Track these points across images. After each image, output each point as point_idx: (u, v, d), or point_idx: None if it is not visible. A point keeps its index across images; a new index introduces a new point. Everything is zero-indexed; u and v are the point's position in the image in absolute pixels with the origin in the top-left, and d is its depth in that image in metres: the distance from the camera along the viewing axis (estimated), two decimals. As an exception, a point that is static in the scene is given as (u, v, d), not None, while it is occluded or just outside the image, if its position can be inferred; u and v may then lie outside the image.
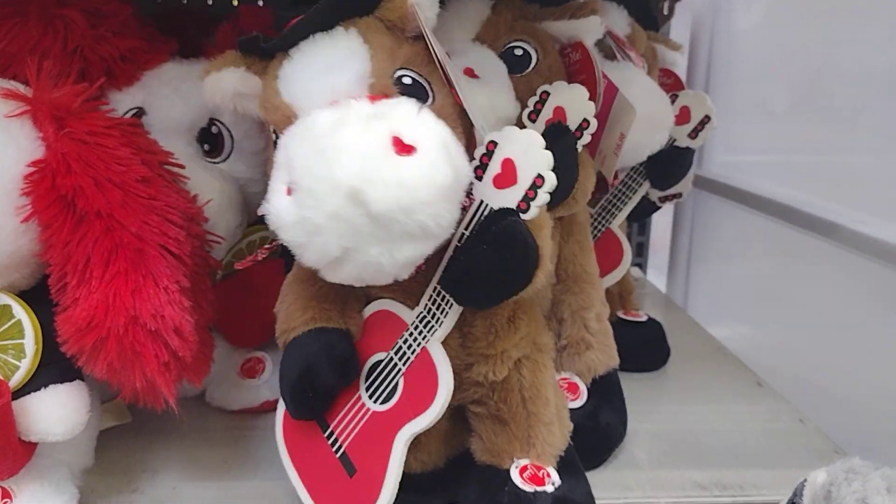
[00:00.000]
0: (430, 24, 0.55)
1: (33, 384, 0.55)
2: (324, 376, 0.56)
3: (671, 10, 1.15)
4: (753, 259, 1.13)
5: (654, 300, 1.22)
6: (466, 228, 0.53)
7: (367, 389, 0.58)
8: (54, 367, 0.55)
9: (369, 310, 0.59)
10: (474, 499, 0.60)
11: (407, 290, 0.57)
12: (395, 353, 0.57)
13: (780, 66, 1.07)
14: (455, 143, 0.50)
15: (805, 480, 0.51)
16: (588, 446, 0.68)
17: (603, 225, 0.87)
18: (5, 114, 0.54)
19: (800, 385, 0.89)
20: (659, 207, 0.93)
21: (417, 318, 0.56)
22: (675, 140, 0.86)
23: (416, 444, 0.62)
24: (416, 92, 0.53)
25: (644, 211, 0.92)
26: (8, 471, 0.55)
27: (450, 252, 0.54)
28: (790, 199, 0.99)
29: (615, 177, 0.85)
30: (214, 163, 0.73)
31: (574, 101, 0.65)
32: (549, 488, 0.57)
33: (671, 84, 0.96)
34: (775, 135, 1.10)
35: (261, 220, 0.75)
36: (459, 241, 0.54)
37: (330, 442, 0.59)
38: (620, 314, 0.92)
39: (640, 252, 1.35)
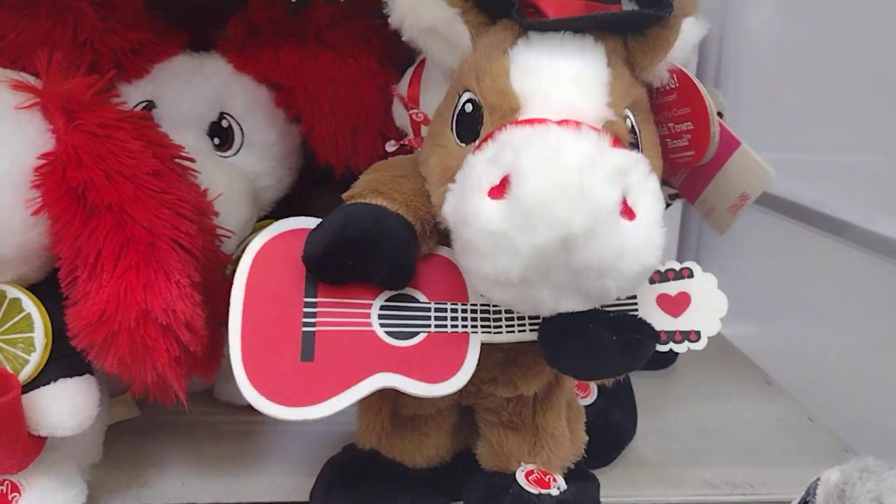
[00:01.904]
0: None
1: (43, 378, 0.55)
2: (389, 250, 0.50)
3: (680, 7, 1.14)
4: (763, 257, 1.13)
5: (662, 298, 1.21)
6: (614, 316, 0.51)
7: (383, 311, 0.53)
8: (64, 361, 0.55)
9: (440, 251, 0.55)
10: (477, 498, 0.59)
11: None
12: (437, 310, 0.53)
13: (791, 63, 1.07)
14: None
15: (818, 479, 0.51)
16: (598, 444, 0.68)
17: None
18: (15, 105, 0.54)
19: (809, 384, 0.89)
20: (669, 205, 0.92)
21: (481, 306, 0.53)
22: (686, 137, 0.85)
23: (423, 438, 0.62)
24: (634, 141, 0.50)
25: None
26: (17, 465, 0.55)
27: None
28: (800, 197, 0.99)
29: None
30: (224, 157, 0.72)
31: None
32: (554, 492, 0.57)
33: (681, 81, 0.96)
34: (785, 132, 1.09)
35: (271, 215, 0.76)
36: None
37: (305, 311, 0.52)
38: (629, 312, 0.92)
39: (648, 249, 1.34)
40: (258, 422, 0.75)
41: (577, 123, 0.45)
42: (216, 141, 0.72)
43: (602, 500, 0.62)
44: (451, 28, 0.52)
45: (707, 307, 0.51)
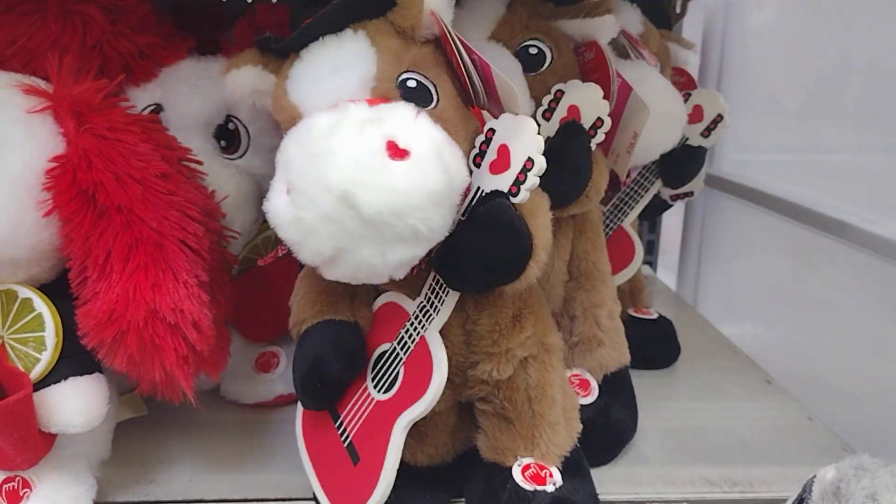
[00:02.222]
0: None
1: (54, 376, 0.56)
2: (330, 368, 0.58)
3: (684, 8, 1.15)
4: (763, 257, 1.14)
5: (665, 298, 1.22)
6: (463, 215, 0.54)
7: (373, 379, 0.59)
8: (74, 359, 0.56)
9: (378, 302, 0.61)
10: (477, 495, 0.61)
11: (412, 283, 0.58)
12: (398, 343, 0.58)
13: (793, 64, 1.07)
14: (451, 147, 0.51)
15: (814, 477, 0.52)
16: (599, 442, 0.69)
17: (615, 223, 0.87)
18: (27, 109, 0.55)
19: (808, 383, 0.90)
20: (671, 206, 0.93)
21: (418, 307, 0.57)
22: (687, 139, 0.86)
23: (423, 437, 0.63)
24: (420, 95, 0.54)
25: (655, 209, 0.93)
26: (28, 461, 0.56)
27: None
28: (801, 198, 0.99)
29: (627, 175, 0.86)
30: (231, 159, 0.73)
31: (588, 100, 0.66)
32: (550, 488, 0.58)
33: (684, 83, 0.96)
34: (787, 133, 1.10)
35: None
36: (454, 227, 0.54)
37: (339, 431, 0.60)
38: (631, 312, 0.93)
39: (651, 250, 1.35)
40: (264, 420, 0.76)
41: (335, 106, 0.50)
42: (223, 143, 0.73)
43: (603, 497, 0.63)
44: (266, 81, 0.58)
45: (521, 138, 0.52)
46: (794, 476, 0.68)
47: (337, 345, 0.58)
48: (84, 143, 0.55)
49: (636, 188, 0.87)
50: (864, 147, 0.90)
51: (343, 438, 0.60)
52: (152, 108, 0.71)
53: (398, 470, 0.61)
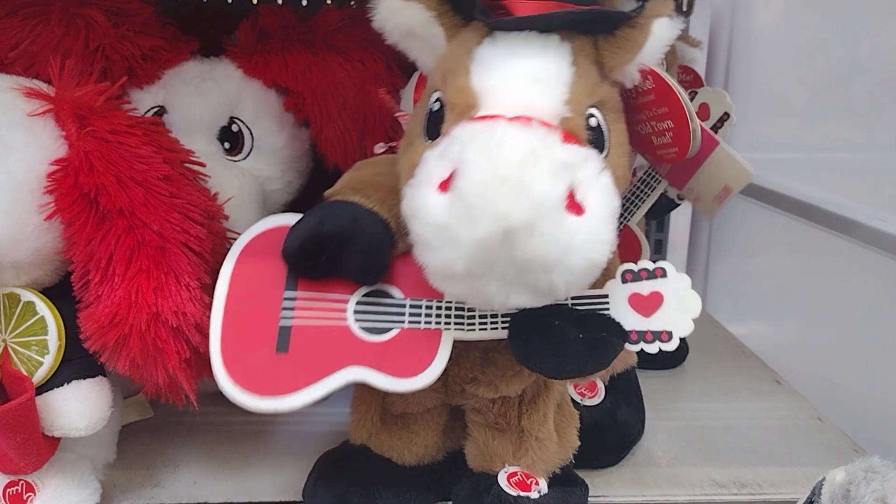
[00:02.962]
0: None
1: (56, 380, 0.55)
2: (361, 245, 0.52)
3: (690, 6, 1.14)
4: (772, 256, 1.13)
5: (672, 297, 1.21)
6: (577, 299, 0.52)
7: (358, 305, 0.54)
8: (77, 363, 0.56)
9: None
10: (462, 497, 0.60)
11: None
12: (412, 306, 0.54)
13: (800, 62, 1.06)
14: (617, 215, 0.48)
15: (823, 479, 0.51)
16: (606, 444, 0.69)
17: (621, 222, 0.86)
18: (29, 112, 0.55)
19: (818, 383, 0.89)
20: (678, 205, 0.93)
21: (456, 302, 0.54)
22: (693, 137, 0.85)
23: (412, 435, 0.62)
24: (597, 138, 0.50)
25: (662, 208, 0.92)
26: (32, 465, 0.55)
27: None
28: (810, 197, 0.99)
29: (633, 174, 0.85)
30: (234, 161, 0.73)
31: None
32: (534, 495, 0.57)
33: (690, 81, 0.96)
34: (795, 132, 1.09)
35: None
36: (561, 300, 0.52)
37: (284, 305, 0.54)
38: (638, 312, 0.92)
39: (659, 249, 1.34)
40: (269, 422, 0.75)
41: (529, 119, 0.45)
42: (226, 145, 0.73)
43: (610, 499, 0.63)
44: (429, 30, 0.53)
45: (680, 307, 0.50)
46: (803, 477, 0.67)
47: (384, 242, 0.53)
48: (86, 146, 0.55)
49: (642, 187, 0.86)
50: (873, 145, 0.89)
51: (282, 316, 0.53)
52: (155, 110, 0.71)
53: (382, 468, 0.61)
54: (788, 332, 1.05)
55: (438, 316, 0.54)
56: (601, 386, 0.71)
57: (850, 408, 0.83)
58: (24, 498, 0.57)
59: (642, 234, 0.87)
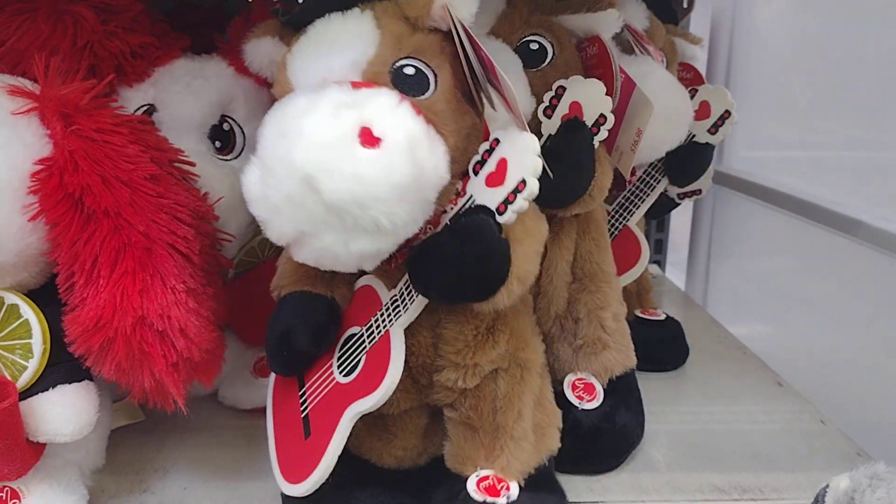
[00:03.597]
0: (468, 23, 0.53)
1: (41, 384, 0.54)
2: (299, 340, 0.58)
3: (691, 2, 1.13)
4: (774, 256, 1.12)
5: (673, 298, 1.20)
6: (452, 219, 0.53)
7: (339, 359, 0.58)
8: (62, 367, 0.55)
9: (359, 283, 0.59)
10: (437, 502, 0.59)
11: (391, 274, 0.57)
12: (366, 330, 0.57)
13: (802, 60, 1.05)
14: (430, 141, 0.50)
15: (827, 486, 0.50)
16: (604, 448, 0.67)
17: (620, 222, 0.85)
18: (12, 111, 0.54)
19: (821, 386, 0.87)
20: (678, 204, 0.92)
21: (390, 299, 0.56)
22: (694, 135, 0.84)
23: (391, 437, 0.62)
24: (417, 83, 0.52)
25: (663, 208, 0.91)
26: (16, 472, 0.54)
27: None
28: (812, 196, 0.97)
29: (633, 173, 0.84)
30: (226, 160, 0.72)
31: (591, 96, 0.64)
32: (502, 501, 0.55)
33: (691, 79, 0.95)
34: (797, 130, 1.08)
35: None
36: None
37: (301, 401, 0.60)
38: (638, 313, 0.91)
39: (659, 249, 1.33)
40: (261, 426, 0.73)
41: (320, 84, 0.49)
42: (217, 144, 0.72)
43: (609, 504, 0.61)
44: (283, 53, 0.57)
45: (521, 156, 0.49)
46: (806, 482, 0.66)
47: (308, 318, 0.58)
48: (70, 145, 0.54)
49: (642, 186, 0.85)
50: (876, 143, 0.88)
51: (302, 409, 0.59)
52: (145, 108, 0.70)
53: (359, 470, 0.61)
54: (790, 334, 1.04)
55: (383, 321, 0.56)
56: (600, 389, 0.70)
57: (854, 411, 0.82)
58: (9, 505, 0.55)
59: (641, 234, 0.85)
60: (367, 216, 0.45)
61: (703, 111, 0.83)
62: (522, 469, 0.58)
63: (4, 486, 0.56)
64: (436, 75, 0.53)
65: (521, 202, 0.49)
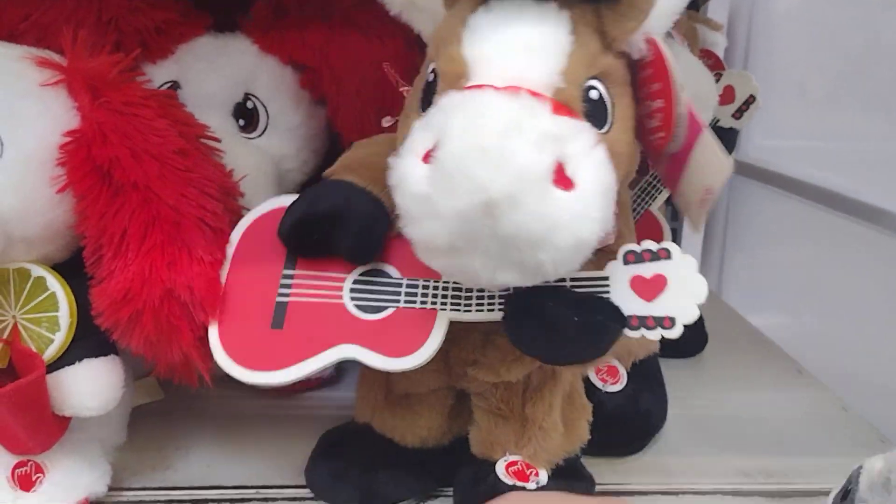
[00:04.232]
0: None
1: (67, 358, 0.54)
2: (346, 228, 0.53)
3: (710, -11, 1.12)
4: (791, 245, 1.11)
5: (688, 287, 1.19)
6: (575, 280, 0.50)
7: (355, 284, 0.54)
8: (89, 341, 0.54)
9: None
10: (460, 484, 0.59)
11: None
12: (408, 286, 0.53)
13: (821, 47, 1.05)
14: (614, 192, 0.45)
15: (861, 467, 0.49)
16: (627, 432, 0.67)
17: (643, 206, 0.84)
18: (40, 82, 0.53)
19: (840, 374, 0.87)
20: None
21: (454, 283, 0.52)
22: (718, 120, 0.83)
23: (416, 417, 0.61)
24: (598, 111, 0.47)
25: (683, 194, 0.90)
26: (41, 445, 0.54)
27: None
28: (831, 184, 0.97)
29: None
30: (249, 138, 0.71)
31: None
32: (531, 486, 0.55)
33: (712, 65, 0.93)
34: (816, 118, 1.07)
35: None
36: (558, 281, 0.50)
37: (281, 282, 0.55)
38: (657, 299, 0.90)
39: (673, 238, 1.32)
40: (283, 406, 0.74)
41: (517, 89, 0.43)
42: (241, 122, 0.71)
43: (634, 488, 0.61)
44: (428, 0, 0.52)
45: (684, 292, 0.47)
46: (831, 467, 0.65)
47: (365, 215, 0.53)
48: (99, 118, 0.53)
49: (665, 171, 0.85)
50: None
51: (280, 295, 0.54)
52: (169, 85, 0.69)
53: (382, 448, 0.60)
54: (809, 323, 1.03)
55: (434, 296, 0.53)
56: (623, 372, 0.69)
57: (875, 399, 0.81)
58: (34, 479, 0.55)
59: (664, 218, 0.85)
60: (535, 258, 0.42)
61: (727, 96, 0.83)
62: (550, 458, 0.58)
63: (29, 460, 0.55)
64: (614, 106, 0.48)
65: (658, 334, 0.47)
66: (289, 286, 0.54)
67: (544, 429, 0.58)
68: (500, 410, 0.58)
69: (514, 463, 0.56)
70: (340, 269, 0.55)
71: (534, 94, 0.43)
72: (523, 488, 0.55)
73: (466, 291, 0.52)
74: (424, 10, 0.53)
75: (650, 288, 0.48)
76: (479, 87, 0.44)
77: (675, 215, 1.31)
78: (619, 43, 0.48)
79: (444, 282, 0.53)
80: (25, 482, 0.55)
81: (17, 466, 0.55)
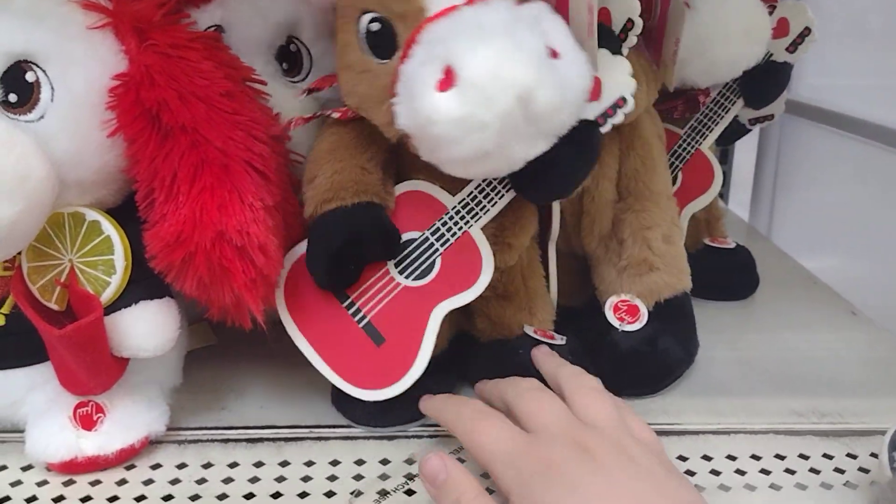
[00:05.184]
0: None
1: (124, 300, 0.55)
2: (372, 247, 0.59)
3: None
4: (845, 186, 1.08)
5: (737, 230, 1.17)
6: None
7: (397, 265, 0.60)
8: (144, 283, 0.55)
9: (401, 188, 0.61)
10: (487, 366, 0.62)
11: (442, 175, 0.56)
12: (432, 234, 0.60)
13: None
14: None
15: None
16: (641, 372, 0.66)
17: (693, 146, 0.83)
18: (87, 25, 0.54)
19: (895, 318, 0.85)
20: (749, 130, 0.89)
21: (460, 203, 0.59)
22: (771, 54, 0.81)
23: None
24: None
25: (733, 133, 0.88)
26: (101, 385, 0.55)
27: None
28: (884, 120, 0.94)
29: (706, 94, 0.81)
30: (294, 82, 0.71)
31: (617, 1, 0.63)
32: (560, 341, 0.63)
33: (765, -3, 0.91)
34: (869, 55, 1.04)
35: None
36: None
37: (351, 312, 0.60)
38: (707, 241, 0.89)
39: (724, 180, 1.29)
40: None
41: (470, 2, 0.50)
42: (285, 66, 0.71)
43: (685, 427, 0.61)
44: None
45: (615, 75, 0.57)
46: (886, 407, 0.65)
47: (379, 225, 0.59)
48: (146, 61, 0.53)
49: (716, 108, 0.82)
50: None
51: (358, 319, 0.60)
52: (213, 29, 0.68)
53: None
54: (862, 265, 1.01)
55: (456, 223, 0.59)
56: (644, 312, 0.67)
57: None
58: (95, 419, 0.57)
59: (715, 158, 0.83)
60: (560, 121, 0.49)
61: (781, 28, 0.80)
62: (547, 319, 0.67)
63: (90, 401, 0.57)
64: None
65: (620, 116, 0.56)
66: (357, 309, 0.60)
67: (544, 295, 0.67)
68: (507, 292, 0.64)
69: (536, 332, 0.64)
70: (378, 266, 0.60)
71: None
72: (553, 344, 0.63)
73: (473, 199, 0.59)
74: None
75: (594, 92, 0.57)
76: (450, 9, 0.50)
77: (724, 157, 1.29)
78: None
79: (453, 207, 0.60)
80: (87, 421, 0.56)
81: (78, 406, 0.56)
